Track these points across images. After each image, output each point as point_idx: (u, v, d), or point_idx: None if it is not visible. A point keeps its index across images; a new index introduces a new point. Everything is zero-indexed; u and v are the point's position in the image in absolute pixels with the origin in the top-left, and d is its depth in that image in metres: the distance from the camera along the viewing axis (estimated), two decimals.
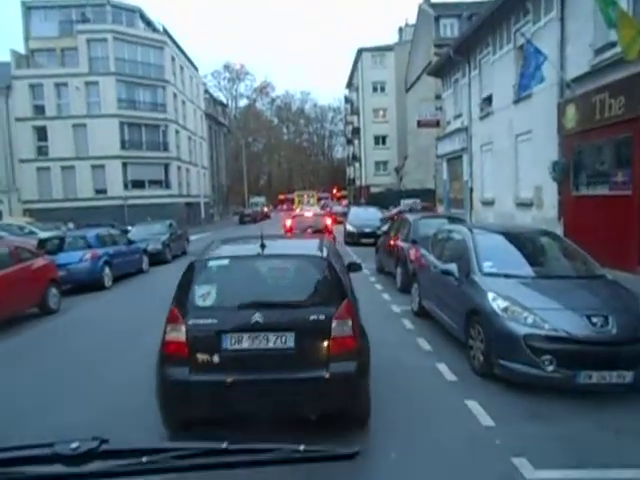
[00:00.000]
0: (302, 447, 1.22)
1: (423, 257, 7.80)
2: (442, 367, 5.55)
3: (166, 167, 37.16)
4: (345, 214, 40.90)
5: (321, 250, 4.48)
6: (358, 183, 60.23)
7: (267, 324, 3.71)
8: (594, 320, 4.54)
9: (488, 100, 17.72)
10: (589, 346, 4.41)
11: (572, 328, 4.50)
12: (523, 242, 6.58)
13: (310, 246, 5.01)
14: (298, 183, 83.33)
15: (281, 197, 77.01)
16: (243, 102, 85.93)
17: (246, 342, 3.73)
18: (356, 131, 58.87)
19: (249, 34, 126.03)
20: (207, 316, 3.80)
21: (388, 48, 52.98)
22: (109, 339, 7.43)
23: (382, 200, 41.69)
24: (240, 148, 63.34)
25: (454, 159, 22.25)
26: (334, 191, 74.03)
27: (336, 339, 3.73)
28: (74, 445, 1.16)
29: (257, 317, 3.70)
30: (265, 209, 58.41)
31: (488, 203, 18.01)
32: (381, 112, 53.98)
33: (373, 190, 51.51)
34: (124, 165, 34.84)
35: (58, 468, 1.14)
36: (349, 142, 67.66)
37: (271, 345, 3.72)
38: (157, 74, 36.25)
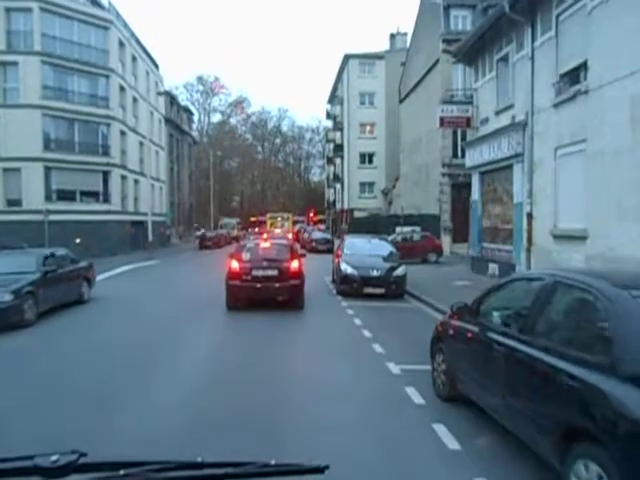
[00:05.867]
0: (273, 462, 1.29)
1: None
2: None
3: (105, 176, 29.57)
4: (325, 242, 33.98)
5: (287, 241, 13.38)
6: (339, 206, 53.60)
7: (268, 266, 10.80)
8: None
9: (575, 74, 11.17)
10: None
11: None
12: None
13: (283, 240, 13.58)
14: (272, 205, 76.39)
15: (253, 219, 69.68)
16: (217, 117, 79.29)
17: (260, 272, 10.68)
18: (338, 148, 52.46)
19: (225, 46, 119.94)
20: (246, 262, 10.95)
21: (378, 56, 47.13)
22: None
23: (367, 226, 34.92)
24: (211, 166, 56.31)
25: (494, 171, 15.61)
26: (311, 215, 67.14)
27: (292, 271, 10.80)
28: (54, 458, 1.19)
29: (264, 263, 10.89)
30: (236, 232, 51.19)
31: (570, 238, 11.27)
32: (368, 127, 47.75)
33: (357, 214, 44.82)
34: (47, 170, 27.07)
35: None
36: (329, 161, 61.14)
37: (269, 273, 10.68)
38: (99, 60, 28.94)
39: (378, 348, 7.50)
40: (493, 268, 15.52)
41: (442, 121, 17.40)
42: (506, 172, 14.57)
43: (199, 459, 1.26)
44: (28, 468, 1.19)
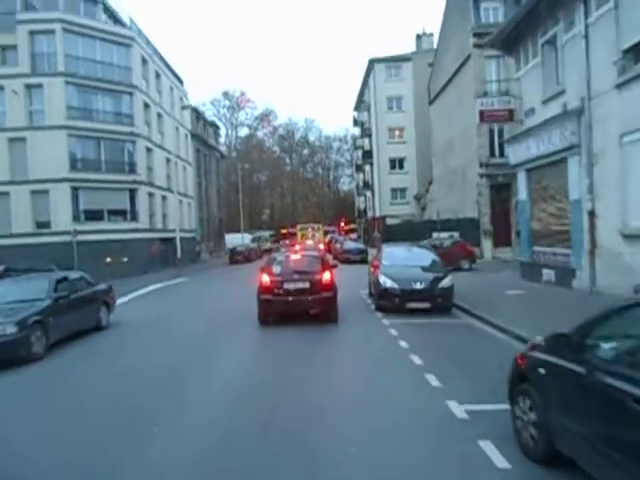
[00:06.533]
0: None
1: None
2: None
3: (132, 193, 29.20)
4: (359, 252, 32.50)
5: (318, 253, 12.36)
6: (370, 214, 52.26)
7: (299, 278, 10.42)
8: None
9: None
10: None
11: None
12: None
13: (314, 252, 12.55)
14: (302, 217, 75.71)
15: (283, 231, 69.10)
16: (244, 131, 79.49)
17: (292, 285, 10.32)
18: (367, 155, 51.20)
19: (249, 60, 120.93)
20: (277, 275, 10.55)
21: (405, 58, 45.82)
22: None
23: (401, 234, 33.49)
24: (240, 180, 55.99)
25: (544, 167, 14.09)
26: (342, 224, 65.95)
27: (324, 283, 10.38)
28: None
29: (295, 276, 10.49)
30: (269, 244, 50.48)
31: None
32: (397, 132, 46.35)
33: (389, 222, 43.40)
34: (74, 190, 26.88)
35: None
36: (358, 169, 59.96)
37: (300, 286, 10.31)
38: (122, 77, 28.73)
39: (433, 380, 6.19)
40: (548, 274, 13.95)
41: (482, 115, 16.03)
42: (559, 167, 13.06)
43: None
44: None
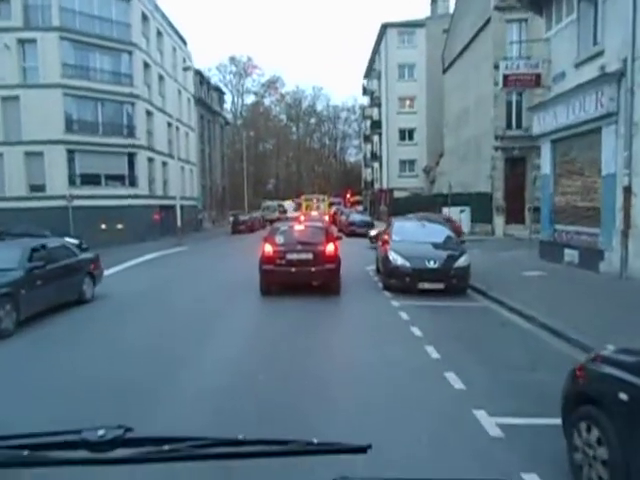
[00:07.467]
0: (315, 440, 1.25)
1: None
2: None
3: (131, 158, 28.02)
4: (365, 225, 31.32)
5: (322, 224, 12.57)
6: (377, 186, 50.93)
7: (302, 249, 10.31)
8: None
9: None
10: None
11: None
12: None
13: (318, 223, 12.83)
14: (308, 187, 74.35)
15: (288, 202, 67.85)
16: (250, 99, 77.49)
17: (295, 255, 10.20)
18: (376, 125, 49.51)
19: (257, 26, 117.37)
20: (280, 246, 10.40)
21: (418, 24, 43.66)
22: None
23: (409, 207, 32.29)
24: (246, 148, 54.52)
25: (573, 137, 12.85)
26: (347, 196, 64.62)
27: (327, 254, 10.28)
28: (101, 432, 1.19)
29: (298, 247, 10.37)
30: (277, 214, 48.58)
31: None
32: (408, 101, 44.60)
33: (397, 194, 42.17)
34: (70, 153, 25.71)
35: (84, 454, 1.17)
36: (366, 139, 58.30)
37: (303, 257, 10.18)
38: (121, 35, 27.19)
39: (455, 380, 5.21)
40: (571, 255, 12.90)
41: (506, 80, 14.60)
42: (591, 138, 11.83)
43: (240, 437, 1.24)
44: (75, 442, 1.18)
